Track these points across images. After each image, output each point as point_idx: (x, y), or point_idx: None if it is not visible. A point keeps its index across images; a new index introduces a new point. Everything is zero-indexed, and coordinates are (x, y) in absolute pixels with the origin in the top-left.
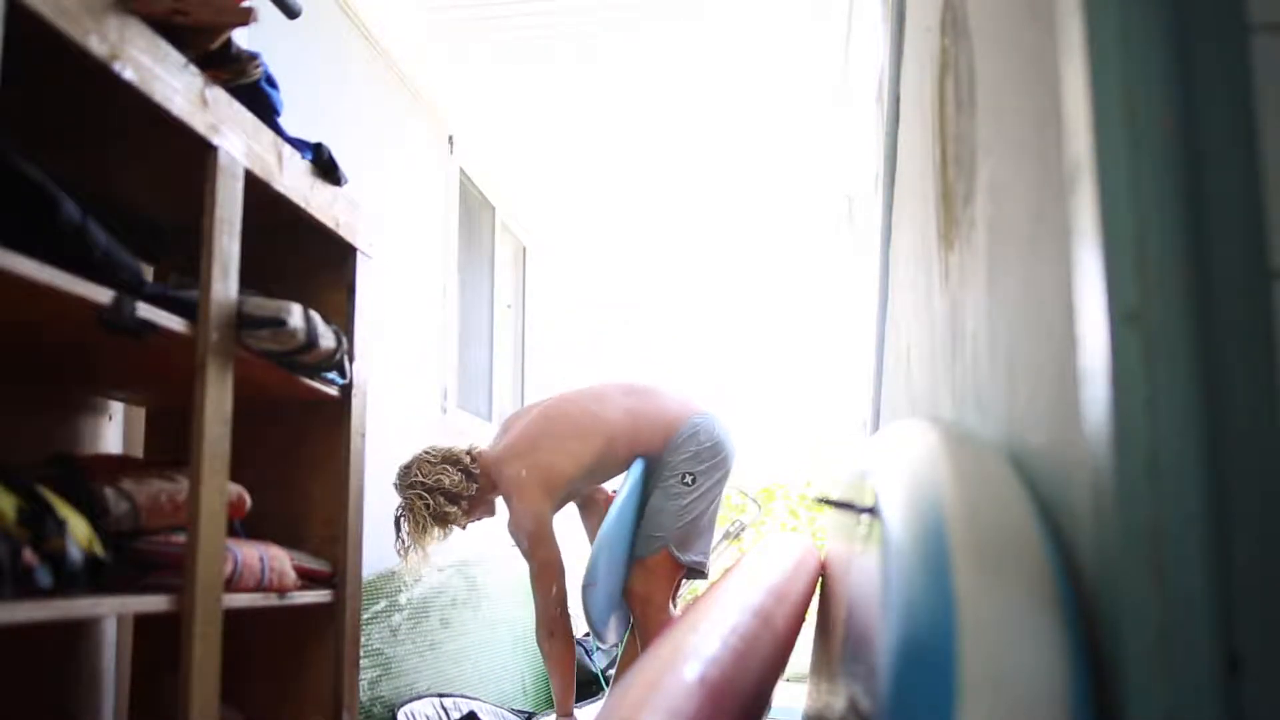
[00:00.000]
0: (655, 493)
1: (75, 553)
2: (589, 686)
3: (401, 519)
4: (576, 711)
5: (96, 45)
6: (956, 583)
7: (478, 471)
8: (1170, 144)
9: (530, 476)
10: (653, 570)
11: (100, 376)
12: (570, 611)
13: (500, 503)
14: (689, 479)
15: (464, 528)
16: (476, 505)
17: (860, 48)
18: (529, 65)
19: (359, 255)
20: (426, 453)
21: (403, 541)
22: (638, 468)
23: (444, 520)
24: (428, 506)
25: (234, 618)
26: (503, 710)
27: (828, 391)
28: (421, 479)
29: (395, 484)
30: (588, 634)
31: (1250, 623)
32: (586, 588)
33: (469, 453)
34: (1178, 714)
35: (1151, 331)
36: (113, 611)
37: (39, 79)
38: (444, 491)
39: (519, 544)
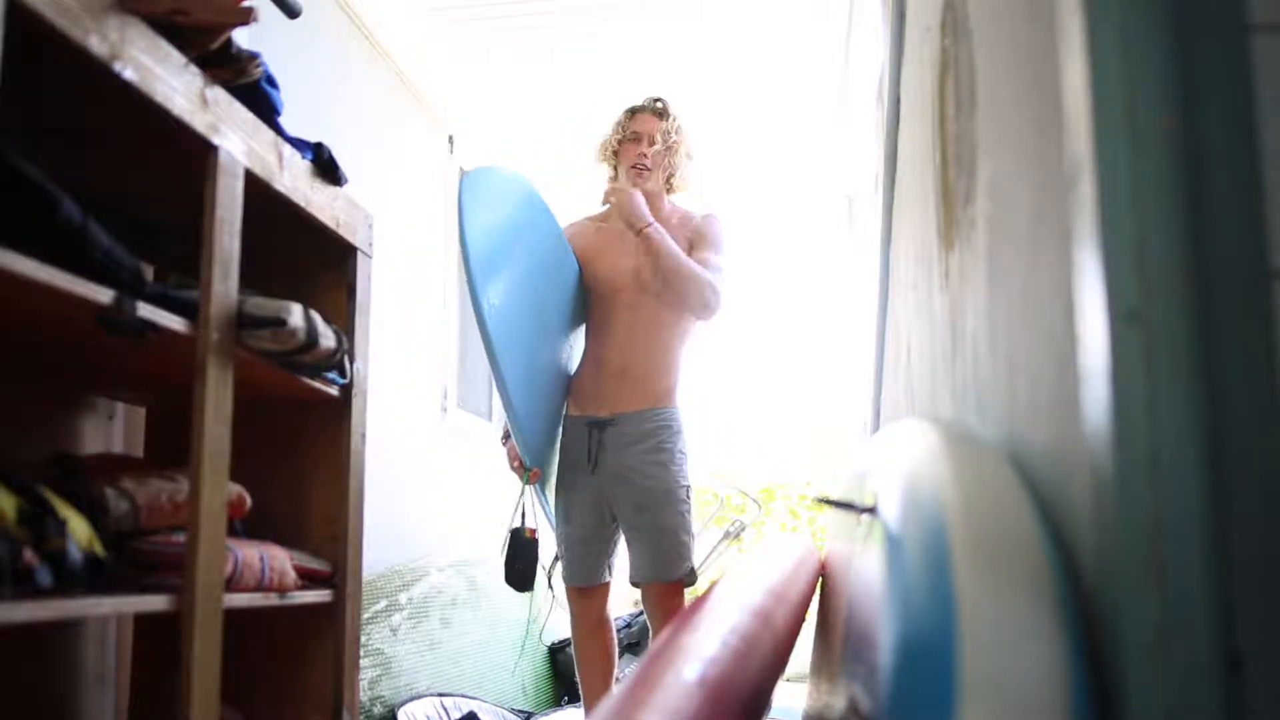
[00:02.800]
0: (658, 493)
1: (75, 553)
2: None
3: None
4: (574, 712)
5: (96, 45)
6: (956, 583)
7: (643, 165)
8: (1170, 144)
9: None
10: (678, 591)
11: (100, 376)
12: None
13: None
14: (685, 493)
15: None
16: (616, 174)
17: (860, 48)
18: (529, 65)
19: (359, 255)
20: None
21: None
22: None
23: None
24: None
25: (234, 618)
26: (503, 710)
27: (828, 391)
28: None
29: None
30: None
31: (1250, 622)
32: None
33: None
34: (1178, 713)
35: (1151, 331)
36: (113, 611)
37: (39, 79)
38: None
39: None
